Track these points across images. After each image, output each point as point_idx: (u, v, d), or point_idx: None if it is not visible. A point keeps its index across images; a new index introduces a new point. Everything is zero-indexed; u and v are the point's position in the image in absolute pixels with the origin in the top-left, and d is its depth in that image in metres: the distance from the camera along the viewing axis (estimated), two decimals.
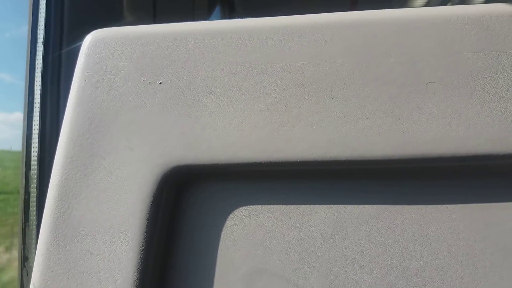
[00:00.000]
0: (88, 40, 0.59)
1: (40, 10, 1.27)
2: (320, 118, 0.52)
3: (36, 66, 1.18)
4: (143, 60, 0.56)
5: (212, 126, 0.53)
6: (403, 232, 0.53)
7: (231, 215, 0.56)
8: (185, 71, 0.55)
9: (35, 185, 1.08)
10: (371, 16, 0.54)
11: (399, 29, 0.52)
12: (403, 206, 0.53)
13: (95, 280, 0.52)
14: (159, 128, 0.54)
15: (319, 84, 0.53)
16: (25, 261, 1.06)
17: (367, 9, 0.57)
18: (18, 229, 1.08)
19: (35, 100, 1.14)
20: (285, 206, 0.55)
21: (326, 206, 0.54)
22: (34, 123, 1.12)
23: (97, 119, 0.55)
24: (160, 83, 0.55)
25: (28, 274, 1.06)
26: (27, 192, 1.08)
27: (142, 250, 0.52)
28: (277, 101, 0.53)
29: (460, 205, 0.53)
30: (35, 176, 1.08)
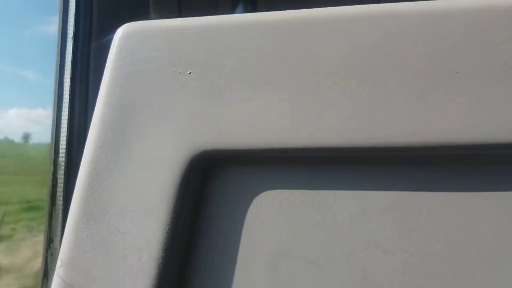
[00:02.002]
0: (120, 32, 0.62)
1: (70, 8, 1.32)
2: (347, 106, 0.53)
3: (66, 60, 1.23)
4: (174, 51, 0.59)
5: (240, 113, 0.55)
6: (428, 218, 0.53)
7: (256, 198, 0.57)
8: (213, 62, 0.57)
9: (63, 171, 1.12)
10: (399, 8, 0.54)
11: (427, 20, 0.53)
12: (429, 193, 0.54)
13: (121, 256, 0.54)
14: (189, 115, 0.56)
15: (346, 74, 0.54)
16: (51, 243, 1.10)
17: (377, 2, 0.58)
18: (45, 212, 1.13)
19: (64, 92, 1.19)
20: (310, 191, 0.56)
21: (351, 191, 0.55)
22: (63, 114, 1.17)
23: (128, 106, 0.58)
24: (190, 73, 0.58)
25: (53, 255, 1.10)
26: (54, 178, 1.13)
27: (168, 230, 0.54)
28: (304, 89, 0.54)
29: (488, 193, 0.52)
30: (63, 163, 1.13)
